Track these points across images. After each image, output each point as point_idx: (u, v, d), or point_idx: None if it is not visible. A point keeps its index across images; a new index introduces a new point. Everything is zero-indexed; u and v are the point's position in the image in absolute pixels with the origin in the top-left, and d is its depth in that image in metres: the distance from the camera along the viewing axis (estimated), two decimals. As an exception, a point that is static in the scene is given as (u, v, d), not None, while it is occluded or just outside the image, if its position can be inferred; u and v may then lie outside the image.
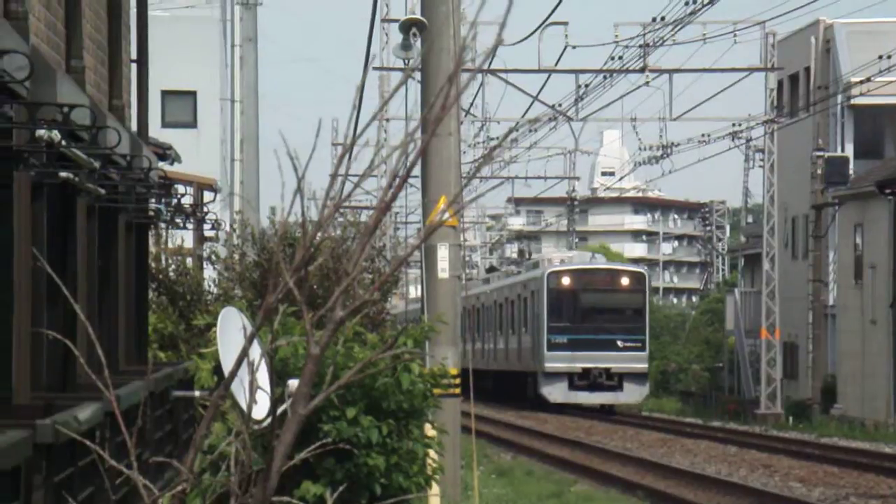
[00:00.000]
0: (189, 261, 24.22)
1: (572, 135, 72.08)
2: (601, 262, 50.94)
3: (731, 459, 27.59)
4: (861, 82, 39.62)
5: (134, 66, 16.81)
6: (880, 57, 37.89)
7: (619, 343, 45.99)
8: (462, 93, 4.18)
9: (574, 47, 38.63)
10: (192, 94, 40.69)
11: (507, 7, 4.08)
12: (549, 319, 46.68)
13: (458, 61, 3.81)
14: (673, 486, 23.00)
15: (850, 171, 43.81)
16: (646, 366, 46.54)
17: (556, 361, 46.02)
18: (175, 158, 22.00)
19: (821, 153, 43.67)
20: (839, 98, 44.95)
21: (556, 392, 46.04)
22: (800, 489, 22.28)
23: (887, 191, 38.59)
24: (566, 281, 47.13)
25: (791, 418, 40.37)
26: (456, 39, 15.68)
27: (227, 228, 23.44)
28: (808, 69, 48.16)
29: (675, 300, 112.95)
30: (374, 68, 43.88)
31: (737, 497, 21.38)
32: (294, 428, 4.03)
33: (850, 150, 45.51)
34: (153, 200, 15.87)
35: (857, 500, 20.64)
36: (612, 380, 45.80)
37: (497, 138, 46.43)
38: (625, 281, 47.11)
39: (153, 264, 21.74)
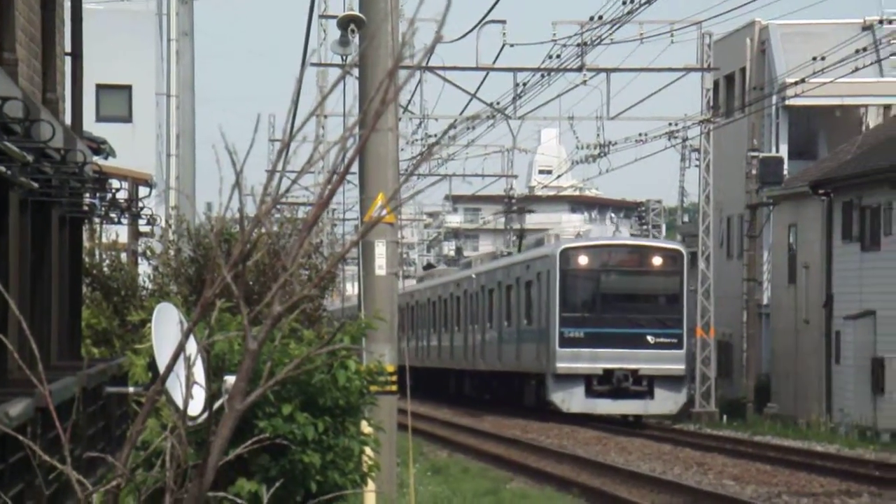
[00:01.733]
0: (124, 256, 24.03)
1: (510, 133, 72.27)
2: (627, 238, 42.24)
3: (665, 458, 27.74)
4: (796, 83, 39.96)
5: (68, 60, 16.65)
6: (814, 58, 38.24)
7: (650, 339, 36.90)
8: (401, 89, 4.16)
9: (512, 45, 38.73)
10: (128, 88, 40.40)
11: (447, 4, 4.07)
12: (562, 308, 37.49)
13: (397, 56, 3.79)
14: (608, 483, 23.10)
15: (785, 172, 44.19)
16: (683, 367, 37.12)
17: (570, 361, 36.99)
18: (110, 153, 21.83)
19: (755, 153, 43.99)
20: (774, 99, 45.33)
21: (570, 399, 37.06)
22: (733, 487, 22.44)
23: (821, 191, 38.94)
24: (583, 260, 37.75)
25: (725, 417, 40.70)
26: (394, 36, 15.65)
27: (163, 224, 23.29)
28: (743, 70, 48.52)
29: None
30: (312, 64, 43.76)
31: (671, 495, 21.50)
32: (231, 423, 4.00)
33: (784, 151, 45.92)
34: (87, 195, 15.73)
35: (789, 499, 20.81)
36: (641, 384, 36.67)
37: (435, 136, 46.54)
38: (657, 260, 37.58)
39: (87, 259, 21.55)
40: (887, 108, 46.11)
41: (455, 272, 53.90)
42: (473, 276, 47.71)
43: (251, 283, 19.27)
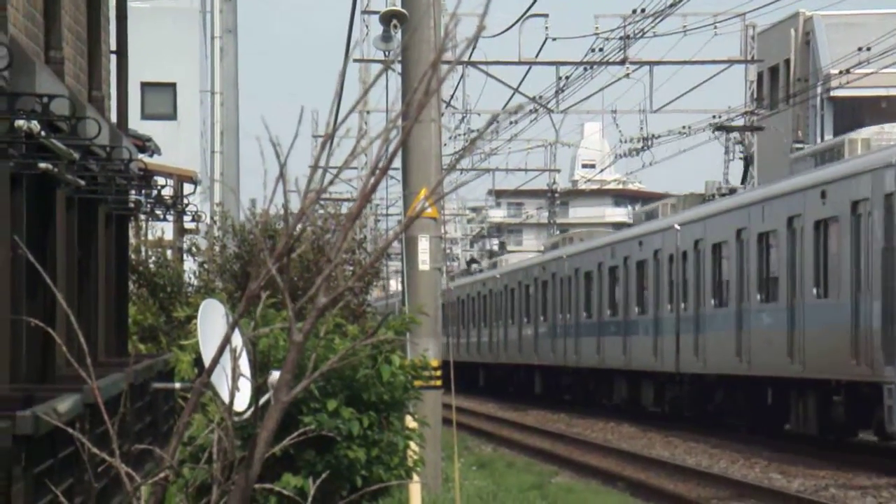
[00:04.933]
0: (169, 253, 24.16)
1: (553, 127, 72.21)
2: None
3: (711, 452, 27.63)
4: (840, 74, 39.71)
5: (113, 58, 16.75)
6: (859, 49, 37.98)
7: None
8: (444, 80, 4.17)
9: (554, 39, 38.69)
10: (172, 85, 40.62)
11: (489, -5, 4.07)
12: None
13: (440, 47, 3.81)
14: (653, 477, 23.04)
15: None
16: None
17: None
18: (155, 150, 21.95)
19: (800, 145, 43.74)
20: (819, 90, 45.07)
21: None
22: (780, 480, 22.34)
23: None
24: None
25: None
26: (436, 30, 15.65)
27: (208, 220, 23.40)
28: (787, 61, 48.26)
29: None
30: (355, 60, 43.86)
31: (716, 488, 21.42)
32: (276, 415, 4.03)
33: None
34: (133, 192, 15.82)
35: (836, 492, 20.70)
36: None
37: (478, 130, 46.53)
38: None
39: (133, 256, 21.68)
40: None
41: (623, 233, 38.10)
42: (645, 233, 32.93)
43: (295, 278, 19.34)
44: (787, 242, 25.49)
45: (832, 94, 44.59)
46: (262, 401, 4.36)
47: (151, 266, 22.74)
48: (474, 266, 68.72)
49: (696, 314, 30.15)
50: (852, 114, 46.55)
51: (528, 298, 45.03)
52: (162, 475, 4.24)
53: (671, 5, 34.31)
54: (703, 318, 29.72)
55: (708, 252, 29.45)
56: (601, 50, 38.50)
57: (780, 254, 25.87)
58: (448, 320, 56.73)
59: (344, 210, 24.91)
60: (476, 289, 53.00)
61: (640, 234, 34.61)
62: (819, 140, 45.65)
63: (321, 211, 22.53)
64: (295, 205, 4.30)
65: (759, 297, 26.81)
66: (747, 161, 35.90)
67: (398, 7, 16.86)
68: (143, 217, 19.81)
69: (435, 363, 16.09)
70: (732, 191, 31.98)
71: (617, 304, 36.03)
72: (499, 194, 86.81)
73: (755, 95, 43.27)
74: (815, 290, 24.36)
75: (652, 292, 33.03)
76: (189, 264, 24.17)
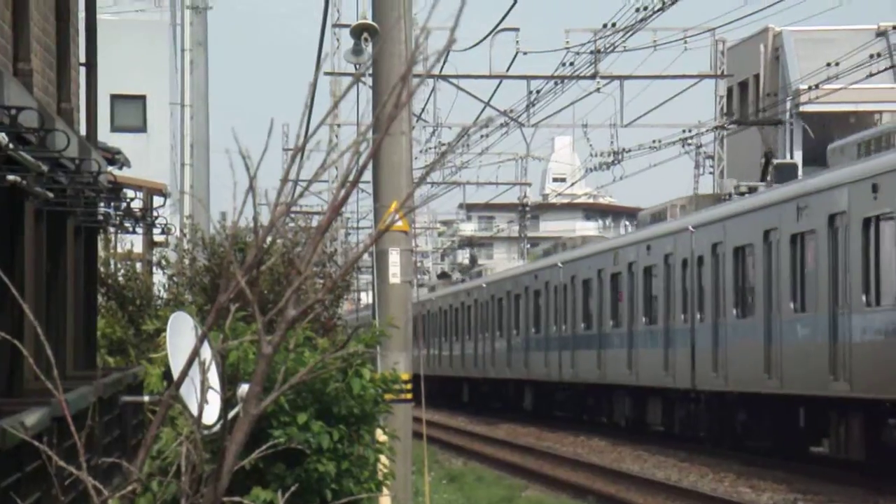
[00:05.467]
0: (139, 265, 24.08)
1: (524, 140, 72.37)
2: None
3: (681, 466, 27.68)
4: (809, 89, 39.92)
5: (83, 70, 16.69)
6: (828, 64, 38.19)
7: None
8: (414, 93, 4.16)
9: (525, 53, 38.82)
10: (142, 98, 40.50)
11: (459, 8, 4.07)
12: None
13: (410, 59, 3.80)
14: (623, 490, 23.05)
15: (799, 178, 44.12)
16: None
17: None
18: (124, 163, 21.88)
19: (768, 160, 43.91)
20: (788, 105, 45.28)
21: None
22: (749, 494, 22.38)
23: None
24: None
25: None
26: (407, 44, 15.66)
27: (177, 233, 23.33)
28: (757, 76, 48.49)
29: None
30: (326, 73, 43.82)
31: (686, 502, 21.45)
32: (246, 428, 4.00)
33: (798, 157, 45.86)
34: (102, 205, 15.76)
35: (805, 505, 20.75)
36: None
37: (449, 144, 46.57)
38: None
39: (102, 269, 21.59)
40: (902, 113, 46.00)
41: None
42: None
43: (265, 291, 19.29)
44: (828, 242, 22.29)
45: (802, 109, 44.81)
46: (231, 414, 4.34)
47: (120, 279, 22.65)
48: (457, 276, 66.40)
49: (715, 324, 27.37)
50: (822, 129, 46.79)
51: (517, 309, 42.63)
52: (130, 488, 4.21)
53: (642, 20, 34.44)
54: (725, 329, 26.92)
55: (731, 256, 26.61)
56: (572, 64, 38.64)
57: (818, 255, 22.68)
58: (428, 332, 54.37)
59: (314, 223, 24.88)
60: (460, 299, 50.34)
61: (648, 237, 31.42)
62: (789, 156, 45.86)
63: (291, 224, 22.49)
64: (265, 217, 4.28)
65: (791, 306, 23.78)
66: (767, 157, 31.16)
67: (369, 20, 16.86)
68: (112, 230, 19.73)
69: (405, 376, 16.07)
70: (753, 189, 28.49)
71: (620, 315, 33.14)
72: (469, 208, 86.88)
73: (725, 110, 43.45)
74: (863, 297, 21.14)
75: (662, 301, 30.25)
76: (158, 277, 24.08)
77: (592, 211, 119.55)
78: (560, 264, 38.22)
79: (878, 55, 38.18)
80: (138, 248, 25.59)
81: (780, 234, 24.42)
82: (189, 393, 5.05)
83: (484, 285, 47.53)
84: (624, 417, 34.37)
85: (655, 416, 31.97)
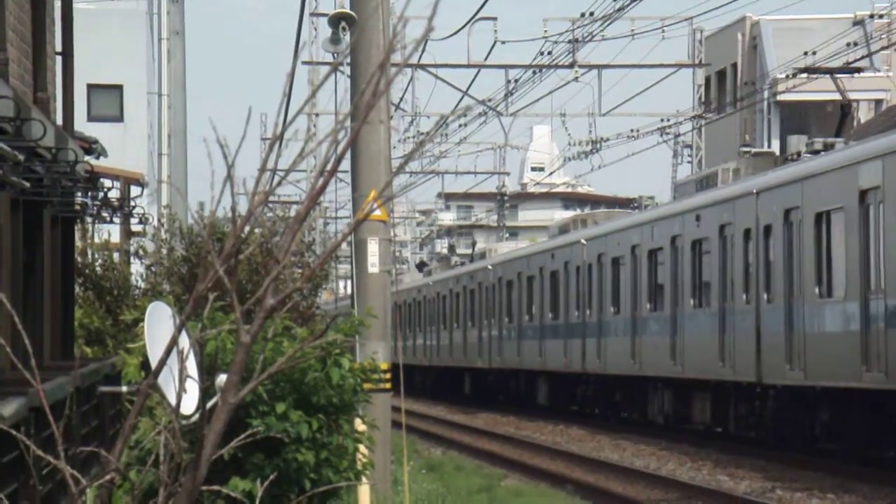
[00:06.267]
0: (116, 255, 24.01)
1: (502, 130, 72.33)
2: None
3: (660, 454, 27.75)
4: (787, 78, 40.03)
5: (59, 59, 16.62)
6: (805, 53, 38.28)
7: None
8: (392, 81, 4.15)
9: (503, 42, 38.95)
10: (119, 87, 40.38)
11: (438, -4, 4.06)
12: None
13: (388, 48, 3.79)
14: (602, 479, 23.11)
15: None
16: None
17: None
18: (101, 152, 21.79)
19: (747, 148, 44.06)
20: (765, 94, 45.39)
21: None
22: (727, 482, 22.45)
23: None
24: None
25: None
26: (385, 32, 15.64)
27: (155, 223, 23.27)
28: (734, 65, 48.59)
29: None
30: (304, 62, 43.76)
31: (665, 491, 21.51)
32: (224, 417, 3.99)
33: (776, 146, 45.99)
34: (79, 194, 15.70)
35: (783, 493, 20.82)
36: None
37: (427, 133, 46.57)
38: None
39: (79, 259, 21.52)
40: (878, 102, 46.16)
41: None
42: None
43: (244, 281, 19.26)
44: None
45: (779, 97, 44.92)
46: (209, 403, 4.33)
47: (98, 269, 22.58)
48: (455, 258, 63.09)
49: (788, 305, 22.55)
50: (799, 117, 46.93)
51: (530, 292, 37.94)
52: (108, 478, 4.20)
53: (619, 9, 34.45)
54: (801, 310, 22.15)
55: (810, 224, 21.77)
56: (550, 53, 38.65)
57: None
58: (424, 319, 51.22)
59: (293, 212, 24.84)
60: (461, 283, 45.61)
61: (697, 206, 26.75)
62: (767, 144, 45.99)
63: (270, 213, 22.45)
64: (243, 207, 4.27)
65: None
66: (844, 110, 26.17)
67: (347, 9, 16.83)
68: (89, 220, 19.67)
69: (384, 366, 16.06)
70: (829, 146, 23.60)
71: (662, 296, 28.59)
72: (448, 197, 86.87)
73: (703, 99, 43.53)
74: None
75: (717, 279, 25.68)
76: (136, 267, 24.02)
77: (571, 200, 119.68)
78: (584, 241, 33.85)
79: (855, 44, 38.30)
80: (116, 237, 25.52)
81: (882, 194, 19.45)
82: (167, 382, 5.04)
83: (489, 267, 43.08)
84: (662, 414, 30.22)
85: (703, 413, 27.86)
